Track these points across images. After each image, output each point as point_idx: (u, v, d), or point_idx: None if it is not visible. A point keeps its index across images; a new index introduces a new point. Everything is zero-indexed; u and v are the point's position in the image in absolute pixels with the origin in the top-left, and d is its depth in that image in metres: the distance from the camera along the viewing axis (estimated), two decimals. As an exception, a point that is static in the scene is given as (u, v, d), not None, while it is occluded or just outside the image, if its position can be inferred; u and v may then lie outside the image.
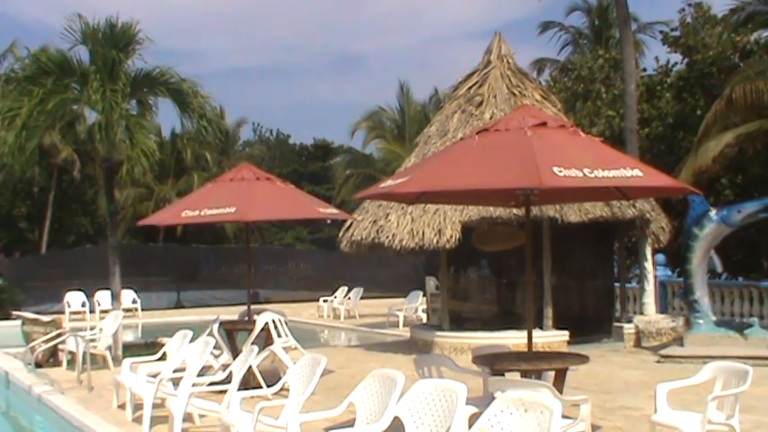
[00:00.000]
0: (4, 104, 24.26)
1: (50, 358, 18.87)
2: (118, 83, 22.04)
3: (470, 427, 7.51)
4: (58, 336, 18.83)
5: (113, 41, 22.59)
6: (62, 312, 33.29)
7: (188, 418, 11.21)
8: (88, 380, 15.59)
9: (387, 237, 19.81)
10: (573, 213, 18.99)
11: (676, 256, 22.56)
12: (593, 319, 20.85)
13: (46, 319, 21.36)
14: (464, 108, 21.04)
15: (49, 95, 22.10)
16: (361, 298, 32.38)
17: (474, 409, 8.64)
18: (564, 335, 19.12)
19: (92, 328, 20.36)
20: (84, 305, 35.37)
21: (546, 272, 19.72)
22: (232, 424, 9.85)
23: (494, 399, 7.48)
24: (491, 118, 19.10)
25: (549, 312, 19.72)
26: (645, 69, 32.01)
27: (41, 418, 15.03)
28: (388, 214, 20.01)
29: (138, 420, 12.12)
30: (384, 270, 38.66)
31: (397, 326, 26.51)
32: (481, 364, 10.53)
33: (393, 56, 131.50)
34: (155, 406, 11.80)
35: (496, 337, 16.93)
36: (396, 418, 7.87)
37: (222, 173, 20.36)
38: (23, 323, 20.91)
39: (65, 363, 18.54)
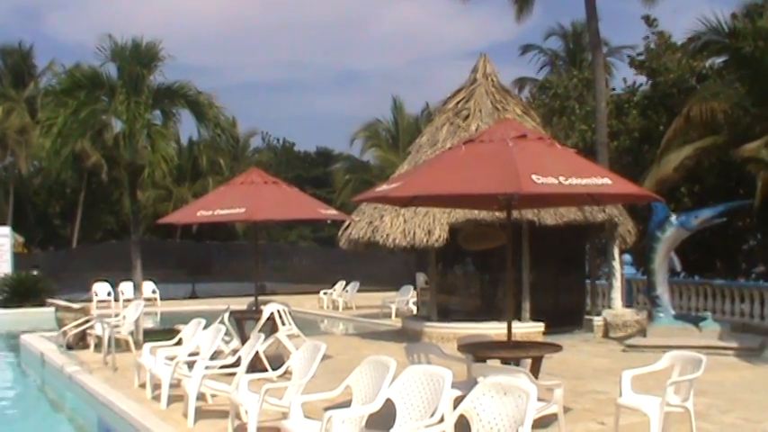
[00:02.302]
0: (42, 115, 24.30)
1: (80, 341, 18.83)
2: (141, 95, 22.09)
3: (455, 408, 7.47)
4: (87, 322, 18.82)
5: (138, 58, 22.63)
6: (90, 301, 33.18)
7: (201, 397, 11.17)
8: (113, 361, 15.57)
9: (381, 236, 19.78)
10: (549, 217, 18.98)
11: (641, 256, 22.58)
12: (566, 312, 20.81)
13: (76, 306, 21.32)
14: (452, 120, 21.01)
15: (82, 107, 22.18)
16: (358, 291, 32.34)
17: (459, 393, 8.58)
18: (540, 326, 19.09)
19: (116, 315, 20.28)
20: (109, 294, 35.28)
21: (525, 269, 19.69)
22: (240, 403, 9.81)
23: (476, 383, 7.43)
24: (476, 130, 19.06)
25: (526, 305, 19.70)
26: (614, 89, 32.00)
27: (72, 394, 15.00)
28: (382, 216, 19.98)
29: (156, 398, 12.09)
30: (379, 266, 38.61)
31: (390, 317, 26.45)
32: (465, 351, 10.49)
33: (389, 73, 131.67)
34: (171, 386, 11.78)
35: (479, 327, 16.86)
36: (388, 400, 7.82)
37: (234, 177, 20.28)
38: (56, 310, 20.87)
39: (92, 346, 18.50)
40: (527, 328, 18.62)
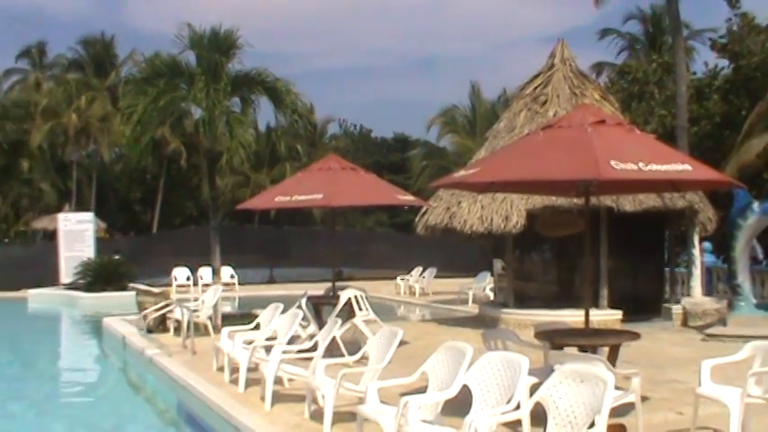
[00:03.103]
0: (123, 103, 24.70)
1: (160, 325, 19.10)
2: (220, 83, 22.31)
3: (531, 395, 7.44)
4: (167, 306, 19.08)
5: (217, 46, 22.83)
6: (170, 285, 33.71)
7: (278, 381, 11.26)
8: (192, 345, 15.77)
9: (458, 222, 19.73)
10: (628, 203, 18.76)
11: (721, 243, 22.15)
12: (644, 300, 20.54)
13: (156, 290, 21.65)
14: (530, 106, 20.85)
15: (161, 94, 22.48)
16: (435, 277, 32.32)
17: (535, 380, 8.55)
18: (618, 314, 18.87)
19: (195, 300, 20.58)
20: (188, 279, 35.80)
21: (602, 256, 19.50)
22: (317, 387, 9.88)
23: (553, 371, 7.40)
24: (554, 115, 18.88)
25: (604, 293, 19.51)
26: (695, 73, 31.46)
27: (152, 376, 15.25)
28: (460, 202, 19.93)
29: (234, 382, 12.22)
30: (456, 252, 38.48)
31: (467, 303, 26.39)
32: (542, 338, 10.44)
33: (466, 58, 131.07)
34: (249, 369, 11.90)
35: (557, 314, 16.76)
36: (464, 386, 7.82)
37: (311, 163, 20.39)
38: (137, 294, 21.19)
39: (172, 329, 18.75)
40: (605, 316, 18.41)
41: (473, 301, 26.18)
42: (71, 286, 33.68)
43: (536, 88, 21.16)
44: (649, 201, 18.97)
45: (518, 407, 7.34)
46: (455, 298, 27.78)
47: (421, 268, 32.90)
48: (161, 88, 22.49)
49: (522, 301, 20.14)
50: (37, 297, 33.61)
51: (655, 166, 8.84)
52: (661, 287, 21.65)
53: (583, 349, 9.83)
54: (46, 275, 35.45)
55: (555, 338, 10.23)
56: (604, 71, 45.82)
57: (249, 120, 27.03)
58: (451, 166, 45.54)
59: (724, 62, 28.94)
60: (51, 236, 43.21)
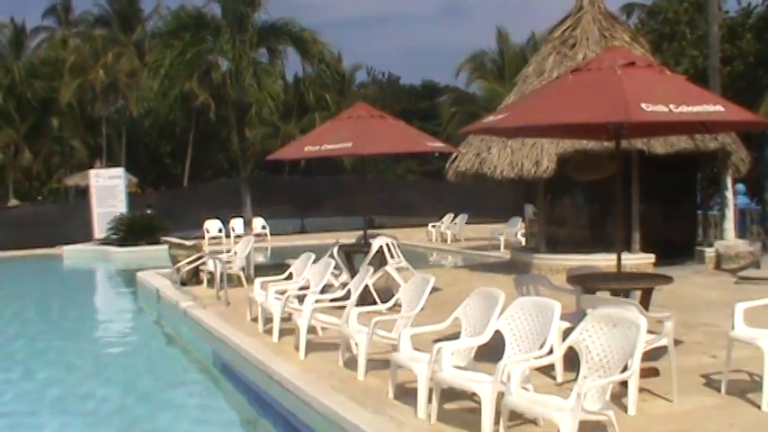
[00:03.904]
0: (150, 57, 24.70)
1: (193, 277, 19.23)
2: (246, 34, 22.24)
3: (564, 340, 7.46)
4: (199, 258, 19.21)
5: (242, -3, 22.73)
6: (202, 238, 33.94)
7: (312, 330, 11.34)
8: (225, 296, 15.88)
9: (489, 168, 19.68)
10: (659, 146, 18.60)
11: (755, 185, 22.01)
12: (677, 244, 20.43)
13: (189, 243, 21.79)
14: (559, 50, 20.65)
15: (188, 47, 22.45)
16: (466, 223, 32.35)
17: (567, 324, 8.57)
18: (650, 257, 18.81)
19: (227, 252, 20.67)
20: (220, 231, 36.02)
21: (634, 199, 19.40)
22: (350, 336, 9.94)
23: (585, 315, 7.40)
24: (584, 58, 18.68)
25: (636, 237, 19.44)
26: (727, 12, 31.02)
27: (186, 328, 15.41)
28: (489, 147, 19.86)
29: (268, 332, 12.31)
30: (486, 198, 38.42)
31: (499, 249, 26.41)
32: (574, 283, 10.42)
33: (493, 2, 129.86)
34: (283, 319, 11.97)
35: (588, 258, 16.68)
36: (497, 332, 7.85)
37: (340, 112, 20.32)
38: (170, 247, 21.32)
39: (205, 281, 18.88)
40: (637, 260, 18.37)
41: (505, 247, 26.19)
42: (104, 241, 33.98)
43: (565, 31, 20.94)
44: (681, 143, 18.80)
45: (551, 351, 7.36)
46: (487, 244, 27.80)
47: (452, 215, 32.92)
48: (187, 41, 22.45)
49: (554, 246, 20.12)
50: (71, 253, 33.96)
51: (686, 108, 8.74)
52: (694, 230, 21.55)
53: (615, 293, 9.81)
54: (79, 231, 35.77)
55: (587, 283, 10.21)
56: (634, 12, 45.16)
57: (277, 70, 26.95)
58: (481, 111, 45.26)
59: (758, 0, 28.53)
60: (83, 192, 43.53)
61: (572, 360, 7.36)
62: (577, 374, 7.06)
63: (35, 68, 61.51)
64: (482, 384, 7.19)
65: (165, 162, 68.89)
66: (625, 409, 7.66)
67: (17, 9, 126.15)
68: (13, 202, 54.07)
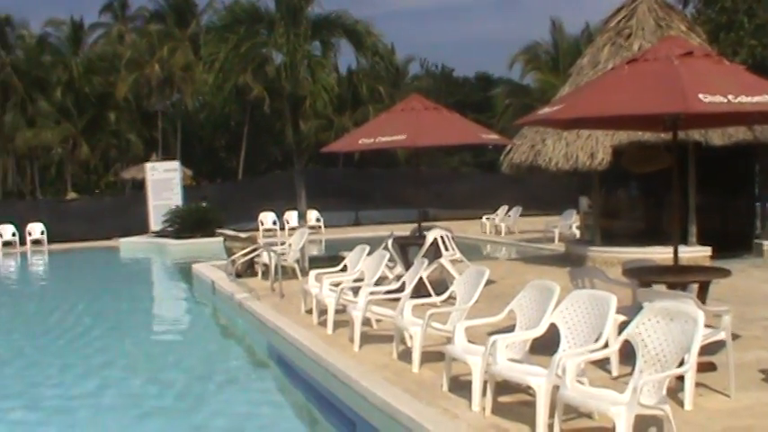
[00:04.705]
0: (205, 51, 24.89)
1: (248, 269, 19.35)
2: (300, 27, 22.32)
3: (620, 333, 7.40)
4: (254, 250, 19.31)
5: (295, -10, 22.80)
6: (257, 230, 34.21)
7: (366, 322, 11.37)
8: (280, 288, 15.95)
9: (543, 160, 19.59)
10: (717, 137, 18.38)
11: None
12: (734, 236, 20.17)
13: (243, 235, 21.95)
14: (614, 40, 20.48)
15: (242, 41, 22.59)
16: (520, 215, 32.22)
17: (623, 318, 8.51)
18: (707, 250, 18.60)
19: (282, 244, 20.80)
20: (275, 223, 36.25)
21: (691, 191, 19.19)
22: (405, 328, 9.95)
23: (642, 308, 7.34)
24: (639, 49, 18.51)
25: (693, 229, 19.23)
26: (787, 0, 30.53)
27: (241, 320, 15.51)
28: (544, 139, 19.77)
29: (322, 324, 12.37)
30: (541, 190, 38.24)
31: (553, 241, 26.28)
32: (630, 276, 10.34)
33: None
34: (337, 311, 12.04)
35: (644, 251, 16.55)
36: (552, 325, 7.82)
37: (394, 104, 20.31)
38: (225, 239, 21.48)
39: (260, 273, 19.00)
40: (694, 253, 18.17)
41: (559, 240, 26.06)
42: (160, 234, 34.36)
43: (620, 21, 20.75)
44: (739, 134, 18.55)
45: (606, 345, 7.31)
46: (541, 236, 27.69)
47: (506, 207, 32.81)
48: (242, 35, 22.59)
49: (609, 239, 19.96)
50: (128, 245, 34.39)
51: (745, 98, 8.62)
52: (752, 223, 21.25)
53: (672, 286, 9.71)
54: (135, 224, 36.22)
55: (643, 276, 10.12)
56: (691, 2, 44.62)
57: (330, 63, 27.03)
58: (535, 103, 45.03)
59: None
60: (140, 185, 44.01)
61: (628, 354, 7.30)
62: (633, 368, 7.00)
63: (92, 64, 62.32)
64: (537, 378, 7.16)
65: (220, 155, 69.40)
66: (681, 404, 7.59)
67: (75, 6, 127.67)
68: (71, 195, 54.79)
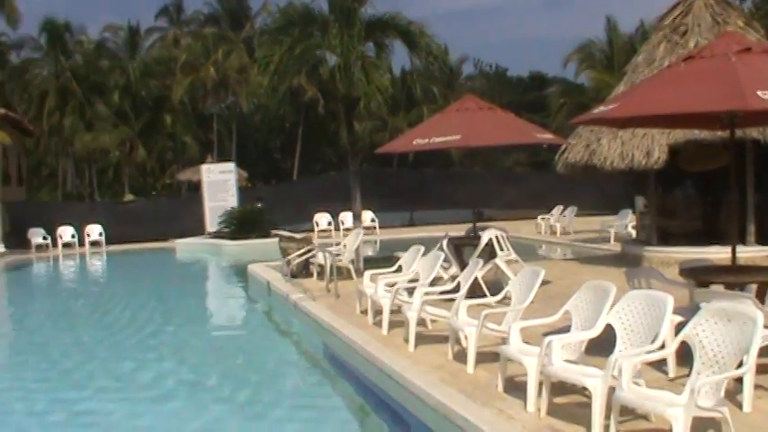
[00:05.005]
0: (259, 53, 25.03)
1: (303, 270, 19.44)
2: (354, 28, 22.27)
3: (677, 334, 7.32)
4: (309, 251, 19.40)
5: (349, -9, 22.83)
6: (312, 230, 34.35)
7: (421, 322, 11.37)
8: (335, 289, 16.00)
9: (599, 159, 19.46)
10: (776, 134, 18.12)
11: None
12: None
13: (298, 236, 22.03)
14: (669, 37, 20.26)
15: (296, 43, 22.58)
16: (576, 215, 32.02)
17: (680, 319, 8.42)
18: (766, 250, 18.31)
19: (337, 244, 20.86)
20: (329, 224, 36.43)
21: (749, 190, 18.91)
22: (460, 328, 9.94)
23: (699, 309, 7.26)
24: (696, 46, 18.30)
25: (751, 228, 18.95)
26: None
27: (297, 320, 15.59)
28: (599, 138, 19.63)
29: (377, 324, 12.40)
30: (596, 190, 37.97)
31: (609, 241, 26.06)
32: (688, 276, 10.23)
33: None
34: (392, 312, 12.05)
35: (702, 251, 16.37)
36: (608, 325, 7.76)
37: (447, 105, 20.29)
38: (280, 240, 21.58)
39: (315, 274, 19.08)
40: (752, 252, 17.90)
41: (615, 240, 25.85)
42: (216, 235, 34.66)
43: (675, 18, 20.53)
44: (799, 131, 18.28)
45: (663, 346, 7.25)
46: (597, 236, 27.49)
47: (561, 207, 32.62)
48: (295, 37, 22.60)
49: (666, 239, 19.76)
50: (184, 246, 34.74)
51: (805, 95, 8.49)
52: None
53: (730, 287, 9.60)
54: (191, 225, 36.58)
55: (700, 276, 10.01)
56: (749, -4, 44.11)
57: (384, 64, 27.01)
58: (590, 102, 44.74)
59: None
60: (195, 187, 44.43)
61: (685, 355, 7.23)
62: (690, 370, 6.93)
63: (149, 68, 63.13)
64: (593, 378, 7.12)
65: (275, 156, 69.86)
66: (740, 406, 7.49)
67: (132, 11, 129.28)
68: (128, 197, 55.46)
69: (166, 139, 64.01)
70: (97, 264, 34.19)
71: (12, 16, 57.38)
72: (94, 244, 36.80)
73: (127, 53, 65.75)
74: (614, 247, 23.90)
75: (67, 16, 71.20)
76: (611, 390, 6.88)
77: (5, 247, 35.46)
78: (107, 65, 64.74)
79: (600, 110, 10.37)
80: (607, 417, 6.91)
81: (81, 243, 36.66)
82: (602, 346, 7.82)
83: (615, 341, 7.60)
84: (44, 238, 36.02)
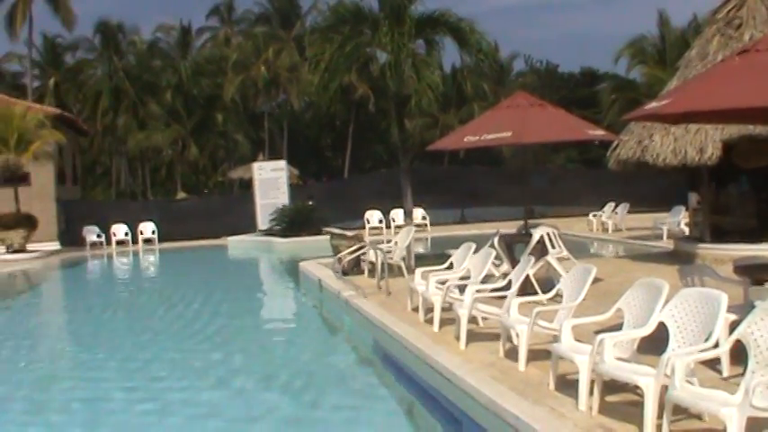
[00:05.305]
0: (310, 52, 25.19)
1: (354, 267, 19.48)
2: (404, 26, 22.31)
3: (730, 333, 7.24)
4: (361, 248, 19.43)
5: (399, -11, 22.88)
6: (363, 228, 34.42)
7: (472, 320, 11.34)
8: (386, 286, 16.02)
9: (651, 155, 19.28)
10: (833, 129, 17.82)
11: None
12: None
13: (350, 233, 22.09)
14: (723, 31, 20.00)
15: (346, 41, 22.68)
16: (628, 212, 31.78)
17: (734, 317, 8.32)
18: (823, 246, 18.04)
19: (388, 242, 20.89)
20: (381, 221, 36.53)
21: (806, 186, 18.65)
22: (511, 326, 9.90)
23: (754, 307, 7.16)
24: (751, 39, 18.05)
25: (808, 224, 18.69)
26: None
27: (348, 317, 15.63)
28: (651, 134, 19.45)
29: (429, 321, 12.40)
30: (649, 186, 37.63)
31: (661, 238, 25.80)
32: (742, 274, 10.10)
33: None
34: (443, 309, 12.03)
35: (756, 248, 16.17)
36: (660, 323, 7.68)
37: (498, 102, 20.24)
38: (331, 237, 21.65)
39: (366, 271, 19.12)
40: (809, 249, 17.65)
41: (668, 237, 25.59)
42: (267, 232, 34.86)
43: (729, 11, 20.26)
44: None
45: (716, 345, 7.15)
46: (649, 233, 27.24)
47: (613, 204, 32.38)
48: (346, 35, 22.71)
49: (720, 236, 19.51)
50: (236, 243, 35.00)
51: None
52: None
53: (786, 284, 9.48)
54: (243, 223, 36.84)
55: (756, 273, 9.89)
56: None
57: (435, 61, 26.99)
58: (642, 98, 44.39)
59: None
60: (247, 185, 44.74)
61: (739, 354, 7.13)
62: (745, 369, 6.83)
63: (200, 67, 63.69)
64: (645, 377, 7.06)
65: (326, 154, 70.08)
66: (796, 404, 7.39)
67: (183, 11, 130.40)
68: (180, 195, 56.03)
69: (218, 137, 64.52)
70: (151, 261, 34.60)
71: (67, 18, 58.25)
72: (147, 241, 37.24)
73: (179, 53, 66.42)
74: (667, 244, 23.65)
75: (121, 17, 71.81)
76: (664, 389, 6.82)
77: (61, 244, 36.01)
78: (159, 64, 65.45)
79: (652, 105, 10.28)
80: (659, 416, 6.84)
81: (134, 241, 37.15)
82: (655, 344, 7.74)
83: (668, 339, 7.54)
84: (98, 236, 36.52)
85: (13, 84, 63.80)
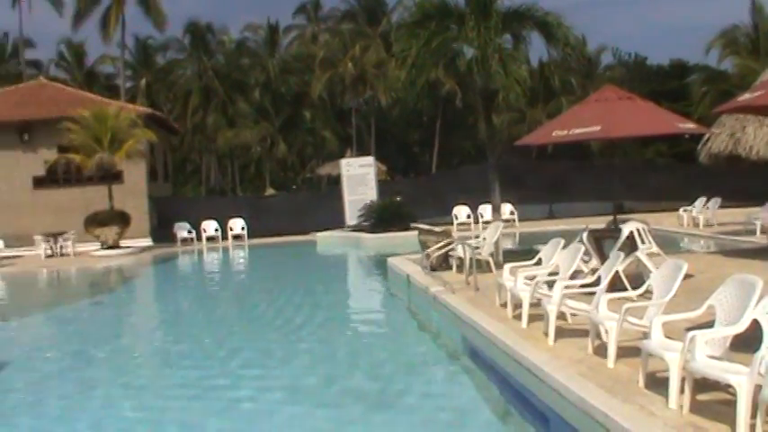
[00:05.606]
0: (396, 48, 25.28)
1: (442, 263, 19.48)
2: (490, 21, 22.26)
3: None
4: (449, 244, 19.43)
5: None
6: (451, 224, 34.41)
7: (561, 316, 11.28)
8: (474, 282, 16.00)
9: (744, 148, 18.99)
10: None
11: None
12: None
13: (438, 229, 22.07)
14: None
15: (433, 36, 22.73)
16: (719, 207, 31.18)
17: (832, 313, 8.12)
18: None
19: (476, 237, 20.84)
20: (469, 217, 36.48)
21: None
22: (600, 322, 9.82)
23: None
24: None
25: None
26: None
27: (436, 313, 15.64)
28: (744, 127, 19.14)
29: (517, 317, 12.37)
30: (741, 180, 36.87)
31: (755, 233, 25.27)
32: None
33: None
34: (532, 305, 11.99)
35: None
36: (754, 321, 7.53)
37: (586, 95, 20.05)
38: (419, 233, 21.68)
39: (454, 267, 19.11)
40: None
41: (761, 232, 25.05)
42: (356, 228, 35.06)
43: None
44: None
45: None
46: (741, 229, 26.68)
47: (704, 198, 31.80)
48: (432, 30, 22.74)
49: (817, 230, 19.09)
50: (324, 239, 35.27)
51: None
52: None
53: None
54: (331, 219, 37.11)
55: None
56: None
57: (522, 55, 26.86)
58: (734, 89, 43.49)
59: None
60: (335, 181, 45.03)
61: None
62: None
63: (288, 65, 64.37)
64: (738, 376, 6.94)
65: (414, 150, 70.13)
66: None
67: (271, 10, 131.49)
68: (269, 191, 56.66)
69: (306, 134, 65.07)
70: (241, 256, 35.09)
71: (158, 19, 59.36)
72: (237, 237, 37.79)
73: (266, 51, 67.17)
74: (760, 239, 23.18)
75: (209, 18, 73.10)
76: (758, 388, 6.70)
77: (153, 240, 36.74)
78: (248, 63, 66.30)
79: (745, 97, 10.12)
80: (753, 415, 6.73)
81: (224, 237, 37.73)
82: (748, 342, 7.60)
83: (762, 337, 7.39)
84: (189, 232, 37.16)
85: (106, 85, 65.36)
